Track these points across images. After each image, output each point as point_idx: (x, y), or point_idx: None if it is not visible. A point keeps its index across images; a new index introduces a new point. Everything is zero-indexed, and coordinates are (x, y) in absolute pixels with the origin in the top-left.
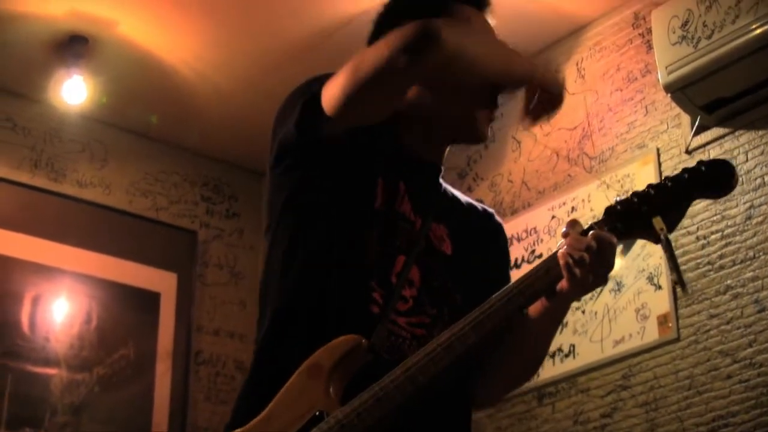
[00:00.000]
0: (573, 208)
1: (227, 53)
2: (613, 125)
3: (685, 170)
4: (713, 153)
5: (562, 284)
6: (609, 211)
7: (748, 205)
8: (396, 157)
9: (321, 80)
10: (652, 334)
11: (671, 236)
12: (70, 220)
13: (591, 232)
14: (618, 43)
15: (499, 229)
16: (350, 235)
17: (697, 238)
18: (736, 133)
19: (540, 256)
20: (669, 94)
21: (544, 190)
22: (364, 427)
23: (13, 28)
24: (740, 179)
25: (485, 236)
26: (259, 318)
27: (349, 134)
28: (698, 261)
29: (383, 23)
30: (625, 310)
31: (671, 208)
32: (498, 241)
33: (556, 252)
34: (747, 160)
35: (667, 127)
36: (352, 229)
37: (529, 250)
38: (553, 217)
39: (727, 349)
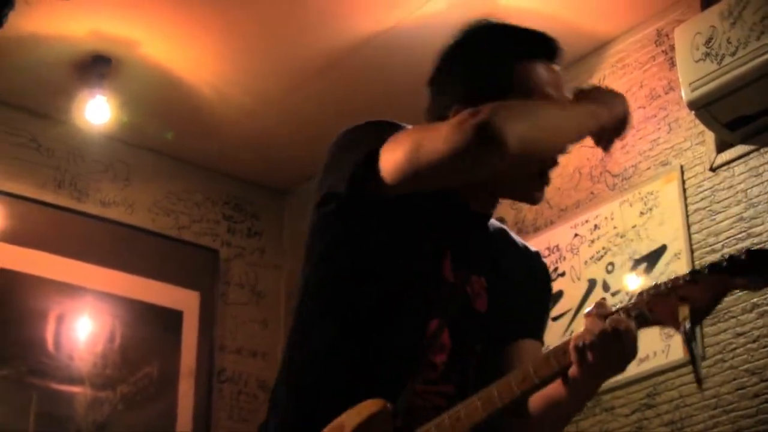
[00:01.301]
0: (596, 226)
1: (249, 72)
2: (636, 143)
3: (725, 258)
4: (738, 170)
5: (572, 370)
6: (640, 294)
7: None
8: (443, 210)
9: (382, 131)
10: (677, 352)
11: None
12: (93, 239)
13: (610, 317)
14: (641, 60)
15: (543, 277)
16: (387, 298)
17: (723, 256)
18: (762, 150)
19: (563, 274)
20: (693, 112)
21: (567, 207)
22: None
23: (37, 49)
24: (766, 196)
25: (527, 283)
26: (289, 350)
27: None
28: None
29: (439, 87)
30: (649, 328)
31: (702, 298)
32: (538, 290)
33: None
34: None
35: (691, 145)
36: (390, 292)
37: (552, 268)
38: (576, 234)
39: (753, 367)
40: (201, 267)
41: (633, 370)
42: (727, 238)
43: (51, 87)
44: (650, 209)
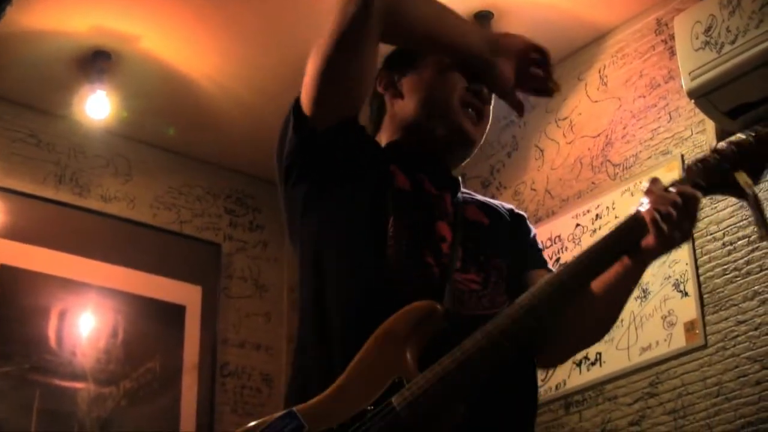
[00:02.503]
0: (597, 216)
1: (249, 66)
2: (637, 132)
3: (763, 123)
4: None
5: (648, 240)
6: (690, 169)
7: None
8: (412, 156)
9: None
10: (679, 341)
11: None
12: (94, 235)
13: (675, 187)
14: (641, 49)
15: (522, 219)
16: (380, 215)
17: (724, 244)
18: None
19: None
20: (693, 100)
21: (568, 198)
22: (447, 393)
23: (37, 44)
24: (766, 184)
25: (512, 229)
26: (302, 319)
27: (351, 148)
28: (725, 267)
29: None
30: (651, 318)
31: (754, 161)
32: (523, 229)
33: (637, 211)
34: None
35: (692, 133)
36: (380, 210)
37: (554, 258)
38: (578, 225)
39: (755, 355)
40: (203, 261)
41: (635, 359)
42: (728, 226)
43: (51, 82)
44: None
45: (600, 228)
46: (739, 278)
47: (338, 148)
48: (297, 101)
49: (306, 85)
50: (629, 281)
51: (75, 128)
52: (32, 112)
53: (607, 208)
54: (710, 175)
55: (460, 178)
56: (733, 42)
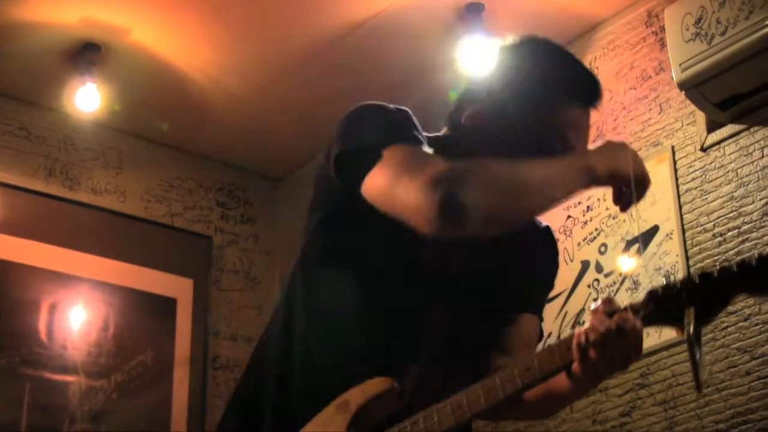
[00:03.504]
0: (588, 208)
1: (240, 59)
2: (628, 124)
3: (736, 263)
4: (728, 150)
5: (574, 366)
6: (650, 293)
7: (764, 201)
8: None
9: (376, 128)
10: (669, 332)
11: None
12: (85, 228)
13: (617, 314)
14: (631, 41)
15: (549, 248)
16: (388, 283)
17: (714, 236)
18: (752, 130)
19: None
20: (683, 92)
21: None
22: None
23: (26, 36)
24: (757, 175)
25: (535, 254)
26: (284, 318)
27: None
28: (715, 258)
29: (484, 81)
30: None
31: (710, 301)
32: (545, 260)
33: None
34: (763, 156)
35: (682, 125)
36: (391, 278)
37: None
38: (569, 216)
39: (745, 345)
40: (194, 254)
41: None
42: (719, 217)
43: (41, 75)
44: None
45: (591, 219)
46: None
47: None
48: (362, 143)
49: (380, 195)
50: (560, 396)
51: (65, 121)
52: (22, 104)
53: (598, 199)
54: (666, 305)
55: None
56: (723, 33)
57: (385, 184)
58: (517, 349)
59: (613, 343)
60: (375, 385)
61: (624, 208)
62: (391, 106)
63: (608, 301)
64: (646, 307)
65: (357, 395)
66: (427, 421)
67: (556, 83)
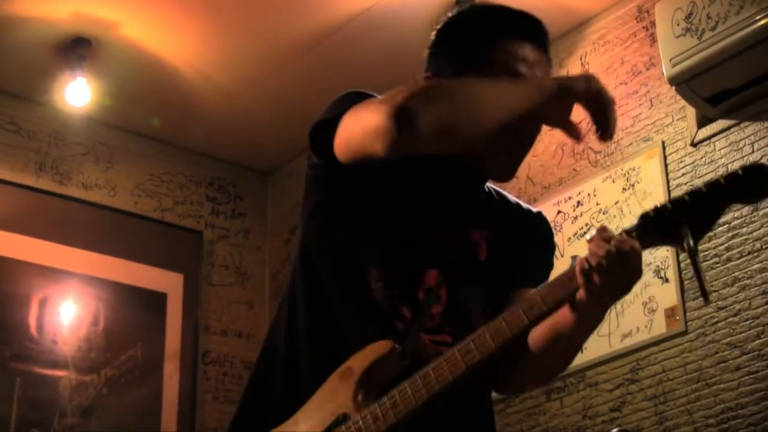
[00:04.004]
0: (579, 203)
1: (231, 53)
2: (618, 119)
3: (723, 175)
4: (719, 145)
5: (580, 293)
6: (643, 217)
7: None
8: (435, 170)
9: (350, 102)
10: (659, 327)
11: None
12: (75, 222)
13: (614, 238)
14: (622, 36)
15: (543, 234)
16: (379, 248)
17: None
18: (742, 125)
19: None
20: (674, 87)
21: (550, 185)
22: (377, 430)
23: (17, 31)
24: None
25: (528, 240)
26: (280, 312)
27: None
28: (705, 253)
29: (431, 59)
30: (632, 304)
31: (702, 215)
32: (538, 247)
33: (575, 262)
34: (753, 152)
35: (672, 120)
36: (381, 243)
37: None
38: (559, 212)
39: (735, 341)
40: (185, 249)
41: (616, 345)
42: None
43: (31, 69)
44: (632, 185)
45: (581, 215)
46: (719, 265)
47: (361, 172)
48: (335, 111)
49: (344, 137)
50: (575, 330)
51: (55, 115)
52: (12, 99)
53: (589, 195)
54: (660, 225)
55: (487, 187)
56: (713, 28)
57: (346, 128)
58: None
59: (615, 265)
60: (376, 349)
61: (601, 134)
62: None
63: (602, 229)
64: (640, 229)
65: (359, 361)
66: (437, 371)
67: (500, 25)
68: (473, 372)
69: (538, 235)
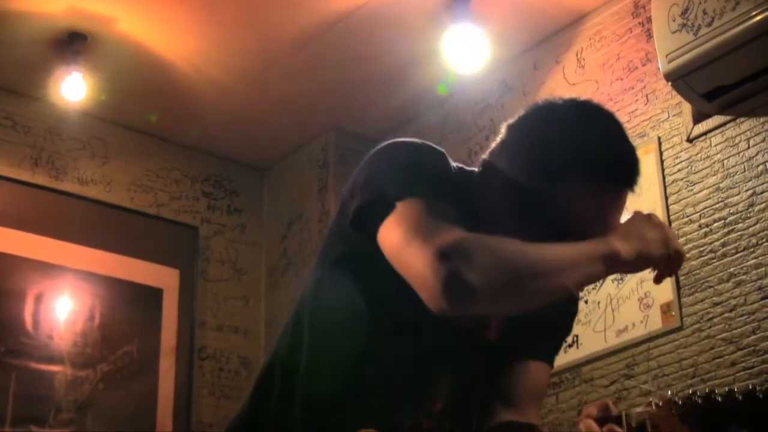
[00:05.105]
0: None
1: (226, 48)
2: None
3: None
4: (715, 141)
5: None
6: (649, 406)
7: (750, 192)
8: None
9: (398, 176)
10: (655, 322)
11: None
12: (71, 218)
13: (607, 425)
14: (618, 32)
15: (568, 316)
16: (398, 343)
17: (700, 226)
18: (738, 121)
19: None
20: (670, 83)
21: None
22: None
23: (12, 26)
24: (743, 166)
25: (549, 323)
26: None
27: None
28: (701, 249)
29: (509, 138)
30: (628, 300)
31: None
32: (560, 309)
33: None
34: (749, 147)
35: (668, 116)
36: (402, 338)
37: None
38: None
39: (730, 336)
40: (181, 244)
41: (612, 341)
42: (705, 208)
43: (27, 64)
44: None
45: None
46: (714, 260)
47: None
48: (383, 192)
49: (392, 252)
50: None
51: (51, 110)
52: (7, 94)
53: None
54: (664, 421)
55: None
56: (709, 24)
57: (396, 243)
58: (524, 402)
59: None
60: None
61: (657, 281)
62: (425, 146)
63: (603, 408)
64: (640, 419)
65: None
66: None
67: (592, 160)
68: None
69: (567, 310)
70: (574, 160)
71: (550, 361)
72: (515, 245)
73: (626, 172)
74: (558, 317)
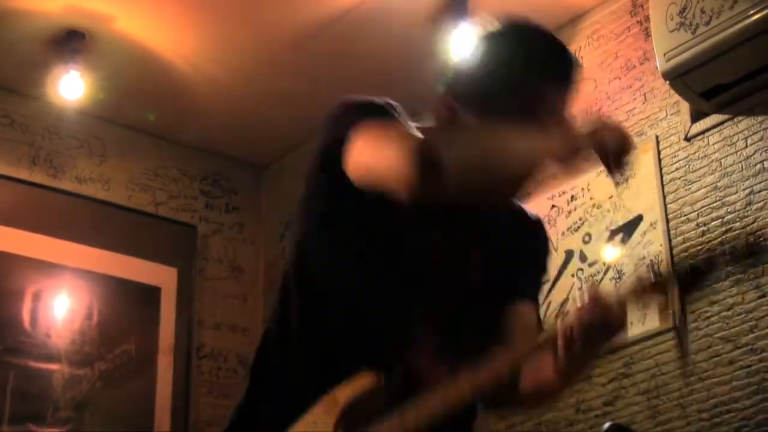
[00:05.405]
0: (572, 197)
1: (224, 47)
2: (612, 113)
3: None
4: (712, 139)
5: (560, 354)
6: (636, 282)
7: (748, 191)
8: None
9: (355, 115)
10: (653, 321)
11: None
12: (69, 216)
13: (600, 303)
14: (616, 31)
15: (541, 246)
16: (378, 283)
17: (698, 225)
18: (736, 120)
19: None
20: (667, 82)
21: (543, 179)
22: None
23: (10, 24)
24: (740, 165)
25: (524, 257)
26: (277, 315)
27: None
28: (699, 248)
29: (455, 80)
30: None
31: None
32: (535, 262)
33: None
34: (746, 146)
35: (666, 115)
36: (380, 279)
37: None
38: (553, 206)
39: (728, 335)
40: (179, 243)
41: None
42: (702, 207)
43: (24, 62)
44: (626, 179)
45: (575, 209)
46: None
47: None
48: (343, 129)
49: (363, 170)
50: (553, 383)
51: (49, 109)
52: (5, 92)
53: (582, 189)
54: (647, 293)
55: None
56: (707, 23)
57: (365, 158)
58: (517, 340)
59: (596, 336)
60: (361, 382)
61: (615, 174)
62: (376, 99)
63: (593, 289)
64: (627, 297)
65: (343, 393)
66: (416, 413)
67: (534, 64)
68: (451, 414)
69: (535, 242)
70: (521, 70)
71: (535, 300)
72: (482, 126)
73: (563, 70)
74: (530, 255)
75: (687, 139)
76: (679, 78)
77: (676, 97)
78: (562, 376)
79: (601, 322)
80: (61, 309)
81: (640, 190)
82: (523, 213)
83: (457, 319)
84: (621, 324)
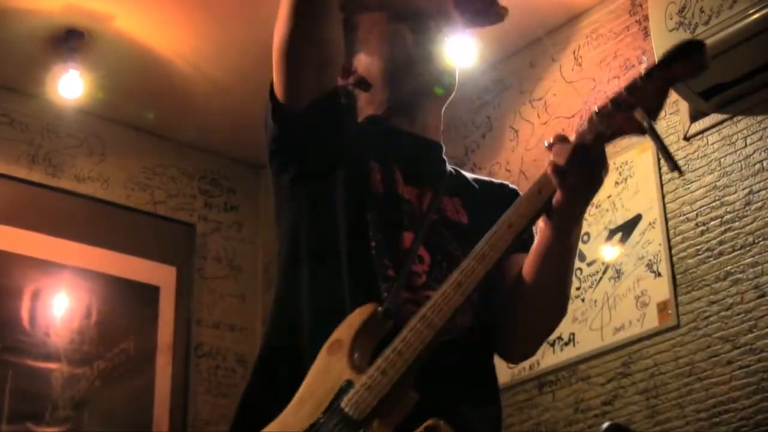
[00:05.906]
0: None
1: (224, 46)
2: None
3: (661, 56)
4: (711, 139)
5: (557, 196)
6: (592, 117)
7: (747, 190)
8: (390, 141)
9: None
10: (652, 321)
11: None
12: (68, 215)
13: (575, 136)
14: (615, 30)
15: (513, 193)
16: (351, 218)
17: (697, 225)
18: (735, 119)
19: None
20: None
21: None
22: (389, 382)
23: (9, 23)
24: (739, 165)
25: (500, 205)
26: (274, 303)
27: (333, 129)
28: (698, 247)
29: None
30: (624, 298)
31: (650, 98)
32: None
33: (545, 171)
34: (746, 146)
35: (665, 114)
36: (352, 212)
37: None
38: None
39: (727, 335)
40: (177, 242)
41: (608, 339)
42: (702, 206)
43: (24, 61)
44: (625, 179)
45: None
46: (711, 258)
47: (317, 130)
48: (272, 87)
49: (274, 68)
50: (560, 246)
51: (48, 108)
52: (4, 91)
53: None
54: (615, 116)
55: (446, 165)
56: (706, 22)
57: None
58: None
59: (583, 158)
60: (359, 315)
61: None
62: None
63: (560, 136)
64: (595, 125)
65: (345, 331)
66: (434, 310)
67: None
68: (471, 301)
69: (509, 197)
70: None
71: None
72: None
73: None
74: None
75: (686, 138)
76: None
77: (675, 96)
78: (562, 225)
79: (581, 145)
80: (59, 308)
81: (639, 190)
82: (487, 179)
83: (449, 248)
84: (600, 142)
